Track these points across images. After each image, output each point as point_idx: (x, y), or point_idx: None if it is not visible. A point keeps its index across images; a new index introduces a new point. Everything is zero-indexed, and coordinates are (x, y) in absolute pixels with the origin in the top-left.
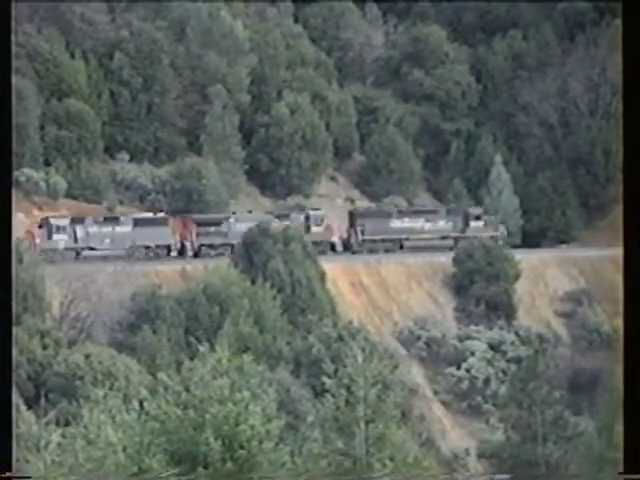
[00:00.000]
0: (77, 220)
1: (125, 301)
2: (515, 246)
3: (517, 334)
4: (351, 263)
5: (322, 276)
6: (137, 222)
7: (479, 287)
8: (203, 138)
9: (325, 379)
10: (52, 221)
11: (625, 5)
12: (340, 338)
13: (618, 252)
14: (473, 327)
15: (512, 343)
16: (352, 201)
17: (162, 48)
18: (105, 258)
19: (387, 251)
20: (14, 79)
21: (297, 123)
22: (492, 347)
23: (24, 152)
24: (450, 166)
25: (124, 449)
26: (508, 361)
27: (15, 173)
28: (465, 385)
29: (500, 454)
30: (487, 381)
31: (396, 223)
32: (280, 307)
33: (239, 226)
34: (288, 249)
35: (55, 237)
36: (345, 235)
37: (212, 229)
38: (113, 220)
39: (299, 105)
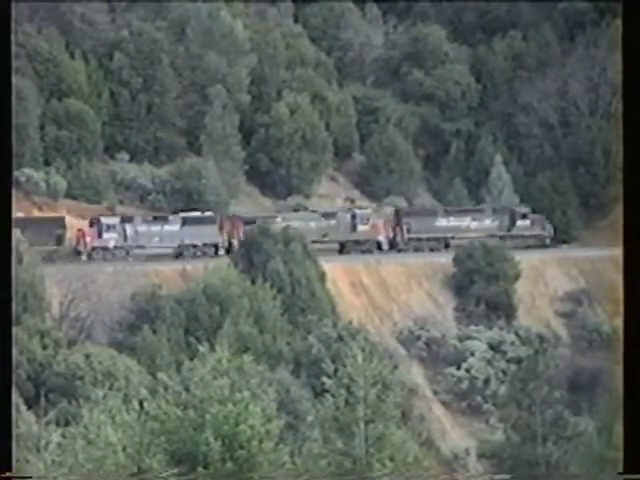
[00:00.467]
0: (127, 219)
1: (125, 301)
2: (515, 246)
3: (517, 334)
4: (351, 263)
5: (322, 276)
6: (185, 221)
7: (479, 287)
8: (203, 138)
9: (325, 379)
10: (103, 220)
11: (625, 5)
12: (340, 338)
13: (618, 252)
14: (473, 327)
15: (512, 343)
16: (352, 201)
17: (162, 48)
18: (154, 256)
19: (432, 250)
20: (14, 79)
21: (297, 123)
22: (492, 347)
23: (24, 152)
24: (450, 166)
25: (124, 449)
26: (508, 361)
27: (15, 173)
28: (465, 385)
29: (500, 454)
30: (487, 381)
31: (442, 222)
32: (280, 307)
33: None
34: (288, 249)
35: (105, 236)
36: (391, 234)
37: None
38: (162, 219)
39: (299, 105)
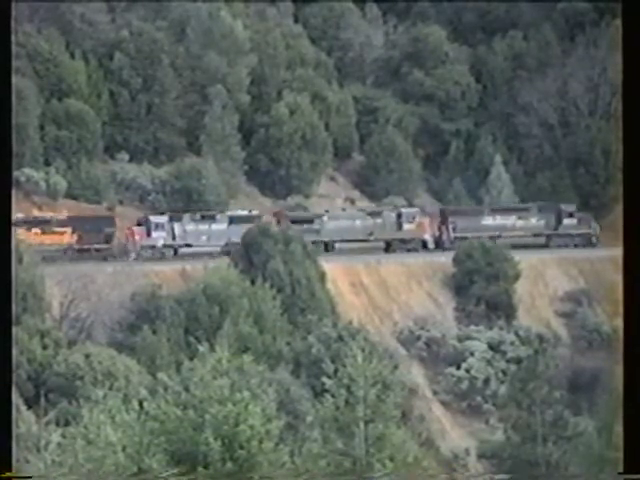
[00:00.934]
0: (175, 218)
1: (125, 301)
2: (515, 246)
3: (517, 334)
4: (351, 263)
5: (322, 276)
6: (232, 219)
7: (479, 287)
8: (203, 138)
9: (325, 379)
10: (151, 219)
11: (625, 5)
12: (340, 338)
13: (618, 252)
14: (473, 327)
15: (512, 343)
16: (352, 201)
17: (162, 48)
18: (202, 255)
19: None
20: (14, 79)
21: (297, 123)
22: (492, 347)
23: (24, 152)
24: (450, 166)
25: (124, 449)
26: (508, 361)
27: (15, 173)
28: (465, 385)
29: (500, 454)
30: (487, 381)
31: (488, 220)
32: (280, 307)
33: (332, 224)
34: (288, 249)
35: (154, 234)
36: (437, 233)
37: (305, 227)
38: (210, 218)
39: (299, 105)
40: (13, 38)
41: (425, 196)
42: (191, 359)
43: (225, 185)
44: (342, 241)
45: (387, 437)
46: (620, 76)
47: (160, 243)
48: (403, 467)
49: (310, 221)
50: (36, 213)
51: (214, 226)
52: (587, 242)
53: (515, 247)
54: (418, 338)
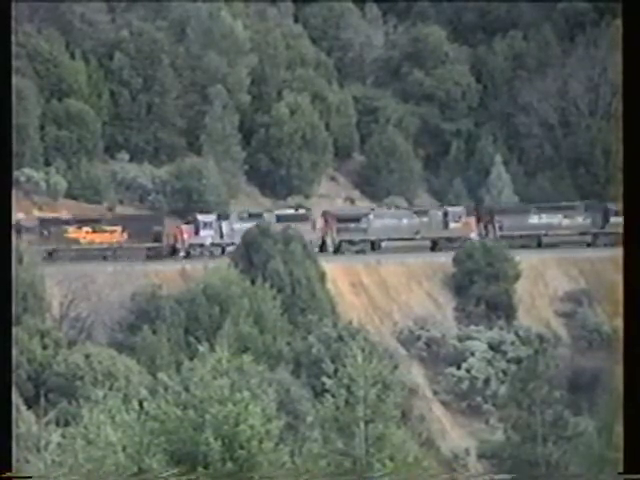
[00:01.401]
0: (223, 216)
1: (125, 301)
2: (515, 246)
3: (517, 334)
4: (351, 263)
5: (322, 276)
6: (279, 218)
7: (479, 287)
8: (203, 138)
9: (325, 379)
10: (199, 217)
11: (625, 5)
12: (340, 338)
13: (618, 252)
14: (473, 327)
15: (512, 343)
16: (352, 201)
17: (162, 48)
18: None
19: (524, 247)
20: (14, 79)
21: (297, 123)
22: (492, 347)
23: (24, 152)
24: (450, 166)
25: (124, 449)
26: (508, 361)
27: (15, 173)
28: (465, 385)
29: (500, 454)
30: (487, 381)
31: (534, 219)
32: (280, 307)
33: (378, 222)
34: (288, 249)
35: (202, 233)
36: (483, 232)
37: (352, 225)
38: (257, 216)
39: (299, 105)
40: (13, 38)
41: (425, 196)
42: (191, 359)
43: (225, 185)
44: (389, 240)
45: (387, 437)
46: (620, 76)
47: (208, 241)
48: (403, 467)
49: (357, 220)
50: (36, 213)
51: None
52: None
53: (562, 245)
54: (418, 338)
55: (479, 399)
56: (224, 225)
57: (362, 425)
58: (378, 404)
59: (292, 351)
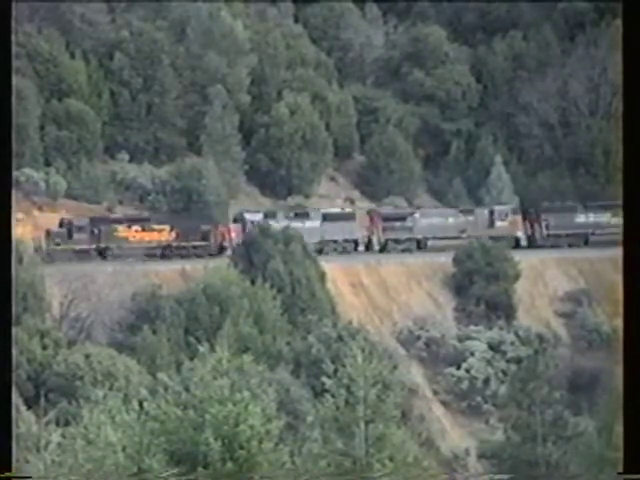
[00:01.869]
0: (270, 215)
1: (125, 301)
2: (515, 246)
3: (517, 334)
4: (351, 263)
5: (322, 276)
6: (326, 217)
7: (479, 287)
8: (203, 138)
9: (325, 379)
10: (247, 216)
11: (625, 5)
12: (340, 338)
13: (618, 252)
14: (473, 327)
15: (512, 343)
16: (352, 201)
17: (162, 48)
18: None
19: (571, 246)
20: (14, 79)
21: (297, 123)
22: (492, 347)
23: (24, 152)
24: (450, 166)
25: (124, 449)
26: (508, 361)
27: (15, 173)
28: (465, 385)
29: (500, 454)
30: (487, 381)
31: (581, 218)
32: (280, 307)
33: (424, 221)
34: (288, 249)
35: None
36: (530, 230)
37: (398, 224)
38: (303, 215)
39: (299, 105)
40: (13, 38)
41: (425, 196)
42: (191, 359)
43: (225, 185)
44: (434, 238)
45: (387, 437)
46: (620, 76)
47: None
48: (403, 467)
49: (403, 218)
50: (36, 213)
51: (308, 223)
52: None
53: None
54: (418, 338)
55: (479, 399)
56: (272, 224)
57: (362, 425)
58: (378, 404)
59: (292, 351)
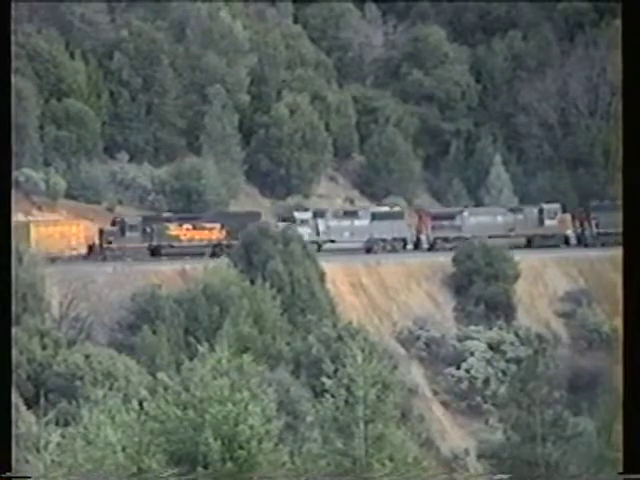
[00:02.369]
0: (319, 213)
1: (125, 301)
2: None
3: (516, 334)
4: (351, 263)
5: (322, 276)
6: (375, 216)
7: (478, 287)
8: (203, 138)
9: (325, 379)
10: (296, 215)
11: (625, 5)
12: (340, 338)
13: (618, 252)
14: (472, 327)
15: (511, 343)
16: (351, 201)
17: (162, 48)
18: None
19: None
20: (14, 79)
21: (297, 123)
22: (491, 347)
23: (24, 152)
24: (450, 166)
25: (124, 449)
26: (507, 361)
27: (15, 173)
28: (464, 385)
29: (500, 454)
30: (486, 381)
31: None
32: (280, 307)
33: (473, 220)
34: (288, 249)
35: (299, 230)
36: (579, 229)
37: (447, 223)
38: (352, 214)
39: (299, 105)
40: (13, 38)
41: (425, 196)
42: (191, 359)
43: (225, 185)
44: (483, 237)
45: (387, 437)
46: (620, 76)
47: (305, 239)
48: (403, 467)
49: (452, 217)
50: (35, 213)
51: (357, 222)
52: None
53: None
54: (418, 338)
55: (479, 399)
56: (320, 222)
57: (362, 425)
58: (378, 404)
59: (292, 351)
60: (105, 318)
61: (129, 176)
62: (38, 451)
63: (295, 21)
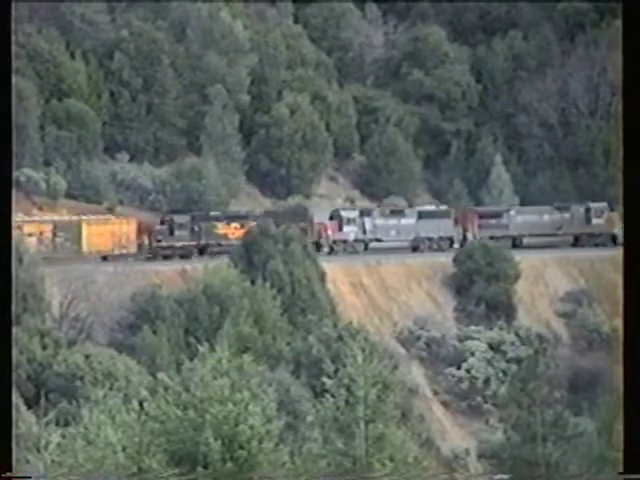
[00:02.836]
0: (365, 212)
1: (125, 301)
2: (515, 246)
3: (517, 334)
4: (351, 263)
5: (322, 276)
6: (421, 214)
7: (479, 287)
8: (203, 138)
9: (325, 379)
10: (343, 213)
11: (625, 6)
12: (340, 338)
13: (618, 252)
14: (473, 327)
15: (512, 343)
16: (352, 201)
17: (162, 48)
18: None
19: None
20: (14, 79)
21: (297, 123)
22: (492, 347)
23: (24, 152)
24: (450, 166)
25: (124, 449)
26: (508, 361)
27: (15, 173)
28: (465, 385)
29: (500, 454)
30: (487, 381)
31: None
32: (280, 307)
33: (519, 218)
34: (288, 249)
35: (345, 229)
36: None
37: (494, 221)
38: (399, 212)
39: (299, 105)
40: (13, 38)
41: (425, 196)
42: (191, 359)
43: (225, 185)
44: (530, 236)
45: (387, 437)
46: (620, 76)
47: (351, 237)
48: (403, 467)
49: (499, 216)
50: (36, 213)
51: (403, 221)
52: None
53: None
54: (418, 338)
55: (479, 399)
56: (367, 221)
57: (362, 425)
58: (378, 404)
59: (292, 351)
60: (105, 318)
61: (129, 176)
62: (38, 451)
63: (295, 21)
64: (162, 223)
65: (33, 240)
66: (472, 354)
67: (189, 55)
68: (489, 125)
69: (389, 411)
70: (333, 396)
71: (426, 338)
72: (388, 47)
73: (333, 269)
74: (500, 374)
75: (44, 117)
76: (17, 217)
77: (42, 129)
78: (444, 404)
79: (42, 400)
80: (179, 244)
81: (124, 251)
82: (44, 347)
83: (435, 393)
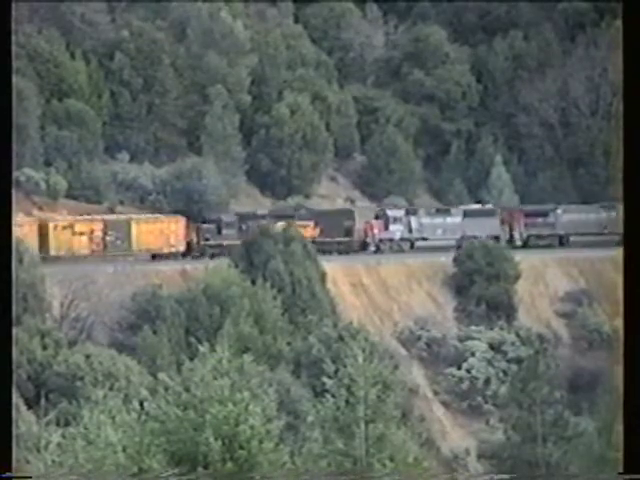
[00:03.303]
0: (411, 211)
1: (125, 301)
2: (515, 246)
3: (517, 334)
4: (351, 263)
5: (322, 276)
6: (467, 213)
7: (479, 287)
8: (203, 138)
9: (325, 379)
10: (389, 212)
11: (625, 6)
12: (340, 338)
13: (618, 252)
14: (473, 327)
15: (512, 343)
16: (352, 201)
17: (162, 48)
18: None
19: None
20: (14, 79)
21: (297, 123)
22: (492, 347)
23: (24, 152)
24: (450, 166)
25: (124, 449)
26: (508, 361)
27: (15, 173)
28: (465, 385)
29: (500, 454)
30: (487, 381)
31: None
32: (280, 307)
33: (566, 217)
34: (288, 249)
35: (392, 228)
36: None
37: (540, 220)
38: (444, 212)
39: (299, 105)
40: (13, 38)
41: (426, 196)
42: (192, 359)
43: (226, 185)
44: (577, 234)
45: (387, 437)
46: (620, 76)
47: (397, 236)
48: (403, 467)
49: (545, 214)
50: (36, 213)
51: (449, 219)
52: None
53: None
54: (419, 338)
55: (479, 399)
56: (412, 220)
57: (362, 425)
58: (378, 404)
59: (292, 351)
60: (106, 318)
61: (130, 176)
62: (38, 451)
63: (296, 21)
64: (208, 222)
65: (85, 239)
66: (472, 354)
67: (189, 55)
68: (489, 125)
69: (389, 411)
70: (333, 396)
71: (426, 338)
72: (388, 47)
73: (333, 269)
74: (500, 374)
75: (44, 117)
76: (64, 217)
77: (42, 129)
78: (444, 404)
79: (42, 400)
80: (226, 242)
81: (173, 250)
82: (44, 347)
83: (435, 393)
